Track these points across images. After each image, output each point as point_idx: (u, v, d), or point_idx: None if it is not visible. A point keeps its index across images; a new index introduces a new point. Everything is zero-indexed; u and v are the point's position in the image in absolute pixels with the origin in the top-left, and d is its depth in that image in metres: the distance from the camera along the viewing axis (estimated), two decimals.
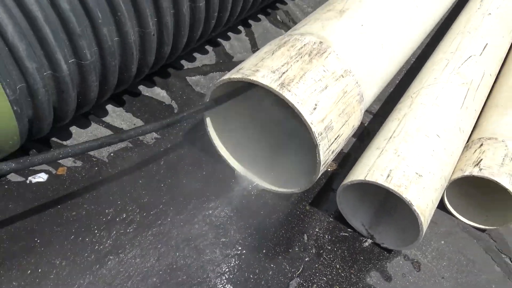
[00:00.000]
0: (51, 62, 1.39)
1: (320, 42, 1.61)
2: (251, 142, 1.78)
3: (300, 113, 1.37)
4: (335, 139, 1.49)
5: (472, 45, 2.08)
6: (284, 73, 1.44)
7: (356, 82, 1.59)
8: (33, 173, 1.60)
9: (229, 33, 2.45)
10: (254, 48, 2.40)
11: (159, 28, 1.72)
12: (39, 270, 1.34)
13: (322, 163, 1.44)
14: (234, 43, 2.40)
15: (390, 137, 1.60)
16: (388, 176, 1.42)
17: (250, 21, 2.58)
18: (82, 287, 1.32)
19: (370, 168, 1.47)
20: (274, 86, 1.39)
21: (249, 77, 1.42)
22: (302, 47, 1.57)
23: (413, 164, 1.47)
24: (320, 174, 1.50)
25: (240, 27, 2.51)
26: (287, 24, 2.64)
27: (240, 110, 1.77)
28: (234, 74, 1.47)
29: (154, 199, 1.59)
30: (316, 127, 1.39)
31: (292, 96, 1.38)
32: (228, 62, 2.27)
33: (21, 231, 1.42)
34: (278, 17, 2.69)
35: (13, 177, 1.58)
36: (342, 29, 1.71)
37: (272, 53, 1.54)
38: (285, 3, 2.81)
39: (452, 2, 2.58)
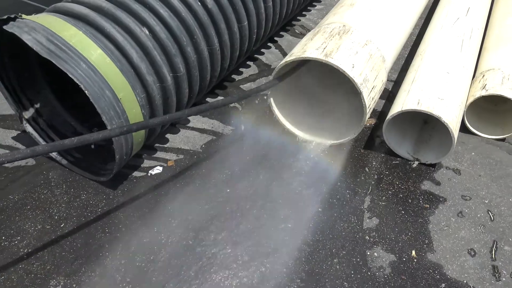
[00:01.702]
0: (159, 76, 1.94)
1: (344, 25, 2.15)
2: (306, 111, 2.28)
3: (343, 71, 1.88)
4: (372, 88, 1.99)
5: (458, 10, 2.61)
6: (324, 48, 1.97)
7: (376, 47, 2.12)
8: (151, 168, 2.12)
9: (262, 49, 3.02)
10: (285, 55, 2.95)
11: (220, 46, 2.29)
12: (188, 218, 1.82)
13: (367, 106, 1.93)
14: (268, 56, 2.97)
15: (412, 81, 2.09)
16: (418, 103, 1.91)
17: (275, 38, 3.16)
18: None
19: (404, 103, 1.96)
20: (321, 57, 1.91)
21: (301, 56, 1.96)
22: (331, 31, 2.11)
23: (434, 93, 1.96)
24: (366, 118, 1.98)
25: (269, 44, 3.09)
26: (305, 34, 3.20)
27: (294, 88, 2.29)
28: (288, 58, 2.01)
29: (245, 167, 2.08)
30: (357, 79, 1.89)
31: (335, 61, 1.90)
32: (268, 70, 2.82)
33: (159, 205, 1.92)
34: (296, 30, 3.27)
35: (136, 173, 2.10)
36: (355, 14, 2.25)
37: (311, 39, 2.08)
38: (299, 20, 3.40)
39: None
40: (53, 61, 1.63)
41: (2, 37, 1.82)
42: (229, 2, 2.29)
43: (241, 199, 1.90)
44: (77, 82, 1.63)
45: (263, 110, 2.42)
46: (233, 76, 2.77)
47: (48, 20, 1.77)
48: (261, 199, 1.90)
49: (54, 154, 2.15)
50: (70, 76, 1.62)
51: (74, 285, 1.60)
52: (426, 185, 1.93)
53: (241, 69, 2.83)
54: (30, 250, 1.74)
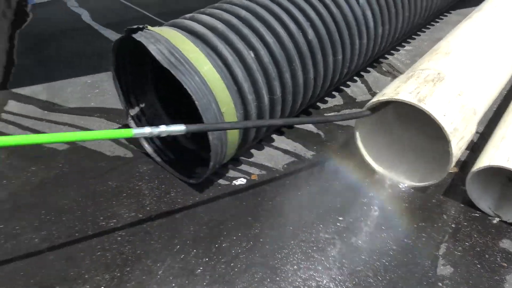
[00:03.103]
0: (258, 96, 2.10)
1: (438, 73, 2.21)
2: (388, 148, 2.35)
3: (435, 118, 1.94)
4: (461, 138, 2.03)
5: None
6: (418, 93, 2.04)
7: (469, 99, 2.16)
8: (235, 179, 2.28)
9: (348, 82, 3.13)
10: (370, 91, 3.04)
11: (314, 75, 2.42)
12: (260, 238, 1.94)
13: (453, 155, 1.98)
14: (354, 89, 3.07)
15: (502, 138, 2.10)
16: (507, 160, 1.93)
17: (362, 73, 3.26)
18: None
19: (492, 158, 1.98)
20: (414, 101, 1.99)
21: (393, 97, 2.04)
22: (426, 77, 2.18)
23: None
24: (452, 165, 2.02)
25: (355, 77, 3.19)
26: (392, 73, 3.28)
27: (379, 124, 2.36)
28: (381, 97, 2.10)
29: (322, 194, 2.18)
30: (447, 128, 1.95)
31: (428, 107, 1.97)
32: (353, 102, 2.92)
33: (239, 216, 2.06)
34: (383, 68, 3.35)
35: (221, 181, 2.26)
36: (451, 63, 2.31)
37: (405, 82, 2.17)
38: (387, 58, 3.48)
39: None
40: (172, 72, 1.83)
41: (127, 43, 2.07)
42: (328, 35, 2.43)
43: (314, 225, 1.99)
44: (190, 93, 1.82)
45: (344, 141, 2.52)
46: (318, 103, 2.89)
47: (170, 33, 1.99)
48: (333, 231, 1.97)
49: (150, 151, 2.37)
50: (185, 86, 1.82)
51: (159, 272, 1.77)
52: (506, 244, 1.93)
53: (326, 98, 2.95)
54: (123, 233, 1.94)
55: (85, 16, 4.32)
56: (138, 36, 1.94)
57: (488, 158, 2.00)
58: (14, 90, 3.02)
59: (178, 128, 1.65)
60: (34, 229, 1.95)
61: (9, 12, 4.15)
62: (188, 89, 1.82)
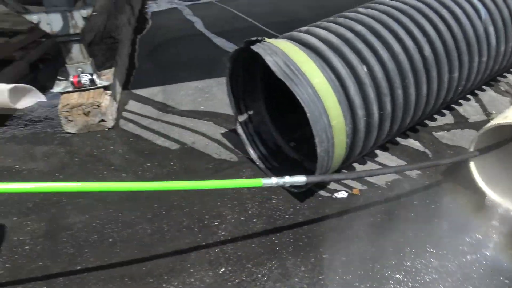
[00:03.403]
0: (368, 111, 2.08)
1: None
2: (507, 173, 2.18)
3: None
4: None
5: None
6: None
7: None
8: (337, 191, 2.27)
9: (461, 100, 2.96)
10: (485, 111, 2.86)
11: (427, 92, 2.33)
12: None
13: None
14: (466, 108, 2.90)
15: None
16: None
17: (476, 91, 3.06)
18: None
19: None
20: None
21: None
22: None
23: None
24: None
25: (469, 96, 3.01)
26: (511, 93, 3.04)
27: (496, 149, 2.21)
28: (503, 120, 1.97)
29: (423, 216, 2.09)
30: None
31: None
32: (465, 122, 2.76)
33: (339, 229, 2.05)
34: (501, 87, 3.12)
35: (322, 192, 2.27)
36: None
37: None
38: (505, 76, 3.24)
39: None
40: (287, 83, 1.88)
41: (242, 53, 2.17)
42: (445, 52, 2.34)
43: (413, 251, 1.92)
44: (303, 104, 1.86)
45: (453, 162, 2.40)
46: (427, 121, 2.77)
47: (285, 45, 2.05)
48: (428, 264, 1.88)
49: (255, 157, 2.46)
50: (298, 98, 1.86)
51: (258, 275, 1.82)
52: None
53: (435, 116, 2.82)
54: (226, 234, 2.04)
55: (199, 24, 4.59)
56: (256, 48, 2.02)
57: None
58: (134, 91, 3.31)
59: (300, 179, 1.81)
60: (147, 221, 2.12)
61: (132, 19, 4.55)
62: (301, 101, 1.86)
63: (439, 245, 1.93)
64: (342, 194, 2.25)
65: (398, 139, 2.63)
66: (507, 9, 2.70)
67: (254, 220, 2.10)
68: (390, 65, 2.13)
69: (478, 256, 1.89)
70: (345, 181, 2.33)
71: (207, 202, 2.21)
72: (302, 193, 2.21)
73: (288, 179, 1.78)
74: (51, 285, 1.83)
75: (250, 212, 2.15)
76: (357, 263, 1.86)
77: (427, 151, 2.53)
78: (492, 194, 2.13)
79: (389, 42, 2.17)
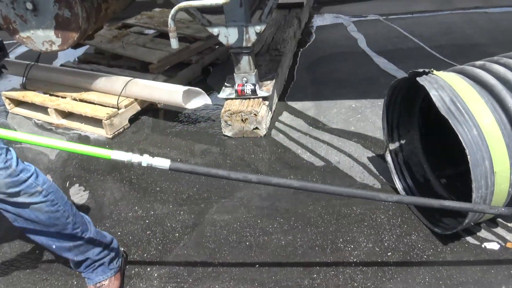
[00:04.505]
0: None
1: None
2: None
3: None
4: None
5: None
6: None
7: None
8: (487, 241, 2.06)
9: None
10: None
11: None
12: None
13: None
14: None
15: None
16: None
17: None
18: None
19: None
20: None
21: None
22: None
23: None
24: None
25: None
26: None
27: None
28: None
29: None
30: None
31: None
32: None
33: (483, 283, 1.86)
34: None
35: (470, 239, 2.07)
36: None
37: None
38: None
39: None
40: (450, 121, 1.77)
41: (406, 83, 2.10)
42: None
43: None
44: (464, 145, 1.73)
45: None
46: None
47: (454, 80, 1.93)
48: None
49: (400, 188, 2.37)
50: (460, 138, 1.74)
51: None
52: None
53: None
54: (357, 261, 2.01)
55: (361, 41, 4.57)
56: (422, 80, 1.94)
57: None
58: (290, 102, 3.46)
59: (164, 164, 1.50)
60: (283, 232, 2.21)
61: (298, 33, 4.75)
62: (462, 141, 1.74)
63: None
64: (493, 245, 2.03)
65: None
66: None
67: (389, 254, 2.03)
68: None
69: None
70: (498, 231, 2.10)
71: (343, 226, 2.21)
72: (445, 235, 2.06)
73: (152, 161, 1.49)
74: (191, 272, 2.04)
75: (386, 244, 2.09)
76: None
77: None
78: None
79: None
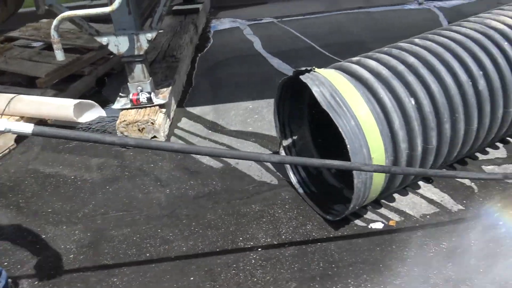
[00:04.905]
0: (411, 145, 2.02)
1: None
2: None
3: None
4: None
5: None
6: None
7: None
8: (373, 222, 2.23)
9: None
10: None
11: (478, 127, 2.23)
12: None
13: None
14: None
15: None
16: None
17: None
18: None
19: None
20: None
21: None
22: None
23: None
24: None
25: None
26: None
27: None
28: None
29: (461, 255, 1.99)
30: None
31: None
32: None
33: (371, 260, 2.01)
34: None
35: (358, 222, 2.23)
36: None
37: None
38: None
39: None
40: (330, 114, 1.89)
41: (292, 81, 2.20)
42: (502, 87, 2.23)
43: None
44: (344, 135, 1.86)
45: (502, 198, 2.27)
46: (478, 154, 2.64)
47: (334, 76, 2.06)
48: None
49: (295, 182, 2.47)
50: (340, 129, 1.86)
51: None
52: None
53: (487, 149, 2.68)
54: (257, 257, 2.06)
55: (257, 44, 4.71)
56: (304, 78, 2.05)
57: None
58: (188, 108, 3.46)
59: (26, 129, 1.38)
60: (184, 238, 2.20)
61: (195, 38, 4.76)
62: (342, 132, 1.86)
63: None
64: (378, 225, 2.21)
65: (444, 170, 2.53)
66: None
67: (287, 245, 2.11)
68: (440, 98, 2.06)
69: None
70: (382, 211, 2.28)
71: (243, 224, 2.26)
72: (337, 221, 2.19)
73: (11, 125, 1.36)
74: None
75: (283, 236, 2.17)
76: None
77: (472, 185, 2.41)
78: None
79: (441, 75, 2.11)
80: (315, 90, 1.94)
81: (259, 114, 3.29)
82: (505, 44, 2.29)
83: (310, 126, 2.56)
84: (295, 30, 5.00)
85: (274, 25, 5.27)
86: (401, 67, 2.07)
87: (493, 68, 2.21)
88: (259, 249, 2.10)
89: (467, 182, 2.43)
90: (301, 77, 2.04)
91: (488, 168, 2.56)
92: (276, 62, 4.18)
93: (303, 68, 2.06)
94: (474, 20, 2.49)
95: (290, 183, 2.50)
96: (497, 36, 2.31)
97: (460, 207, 2.28)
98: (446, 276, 1.89)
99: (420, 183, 2.45)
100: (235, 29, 5.24)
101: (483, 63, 2.20)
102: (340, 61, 2.29)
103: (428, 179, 2.48)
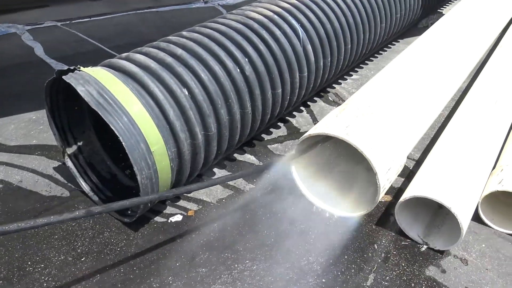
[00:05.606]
0: (191, 133, 2.11)
1: (369, 106, 2.28)
2: (327, 182, 2.38)
3: (362, 151, 1.99)
4: (388, 170, 2.08)
5: (488, 98, 2.69)
6: (347, 127, 2.09)
7: (399, 130, 2.22)
8: (172, 215, 2.26)
9: (294, 112, 3.18)
10: (315, 121, 3.10)
11: (252, 109, 2.46)
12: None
13: (381, 186, 2.02)
14: (299, 119, 3.13)
15: (430, 166, 2.17)
16: (432, 190, 1.98)
17: (309, 103, 3.32)
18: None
19: (418, 187, 2.03)
20: (342, 135, 2.03)
21: (323, 132, 2.09)
22: (356, 110, 2.24)
23: (450, 181, 2.03)
24: (380, 197, 2.06)
25: (302, 107, 3.26)
26: (338, 102, 3.35)
27: (317, 157, 2.40)
28: (313, 131, 2.14)
29: (256, 226, 2.19)
30: (374, 159, 1.99)
31: (353, 139, 2.01)
32: (297, 133, 2.97)
33: (173, 253, 2.04)
34: (330, 98, 3.43)
35: (158, 218, 2.24)
36: (384, 95, 2.38)
37: (336, 116, 2.22)
38: (334, 87, 3.57)
39: None
40: (99, 113, 1.83)
41: (60, 83, 2.06)
42: (266, 71, 2.49)
43: (248, 255, 2.00)
44: (117, 133, 1.82)
45: (284, 173, 2.55)
46: (263, 135, 2.92)
47: (101, 74, 2.00)
48: (266, 258, 1.98)
49: (87, 190, 2.34)
50: (112, 127, 1.82)
51: None
52: (432, 271, 1.96)
53: (271, 129, 2.99)
54: (49, 279, 1.89)
55: (39, 50, 4.30)
56: (67, 78, 1.94)
57: (414, 188, 2.05)
58: None
59: None
60: None
61: None
62: (114, 130, 1.83)
63: (264, 252, 2.03)
64: (177, 218, 2.25)
65: (235, 155, 2.73)
66: (323, 29, 2.97)
67: (83, 259, 1.99)
68: (211, 86, 2.19)
69: (297, 259, 2.02)
70: (181, 204, 2.34)
71: (31, 247, 2.05)
72: (136, 223, 2.16)
73: None
74: None
75: (79, 250, 2.04)
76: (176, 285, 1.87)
77: (261, 164, 2.65)
78: (315, 199, 2.32)
79: (210, 64, 2.24)
80: (80, 90, 1.86)
81: (45, 124, 3.02)
82: (264, 33, 2.56)
83: (96, 129, 2.45)
84: (81, 33, 4.74)
85: (57, 28, 4.89)
86: (169, 59, 2.13)
87: (256, 55, 2.45)
88: (51, 270, 1.93)
89: (256, 161, 2.68)
90: (64, 77, 1.93)
91: (273, 146, 2.85)
92: (62, 68, 3.87)
93: (66, 68, 1.95)
94: (237, 12, 2.72)
95: (83, 192, 2.36)
96: (256, 26, 2.57)
97: (252, 186, 2.49)
98: (245, 247, 2.05)
99: (215, 169, 2.61)
100: (12, 35, 4.69)
101: (246, 51, 2.42)
102: None
103: (222, 165, 2.63)
